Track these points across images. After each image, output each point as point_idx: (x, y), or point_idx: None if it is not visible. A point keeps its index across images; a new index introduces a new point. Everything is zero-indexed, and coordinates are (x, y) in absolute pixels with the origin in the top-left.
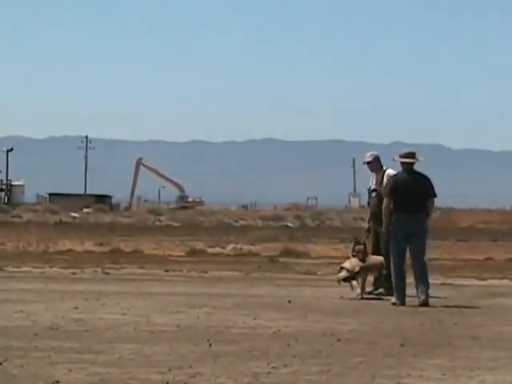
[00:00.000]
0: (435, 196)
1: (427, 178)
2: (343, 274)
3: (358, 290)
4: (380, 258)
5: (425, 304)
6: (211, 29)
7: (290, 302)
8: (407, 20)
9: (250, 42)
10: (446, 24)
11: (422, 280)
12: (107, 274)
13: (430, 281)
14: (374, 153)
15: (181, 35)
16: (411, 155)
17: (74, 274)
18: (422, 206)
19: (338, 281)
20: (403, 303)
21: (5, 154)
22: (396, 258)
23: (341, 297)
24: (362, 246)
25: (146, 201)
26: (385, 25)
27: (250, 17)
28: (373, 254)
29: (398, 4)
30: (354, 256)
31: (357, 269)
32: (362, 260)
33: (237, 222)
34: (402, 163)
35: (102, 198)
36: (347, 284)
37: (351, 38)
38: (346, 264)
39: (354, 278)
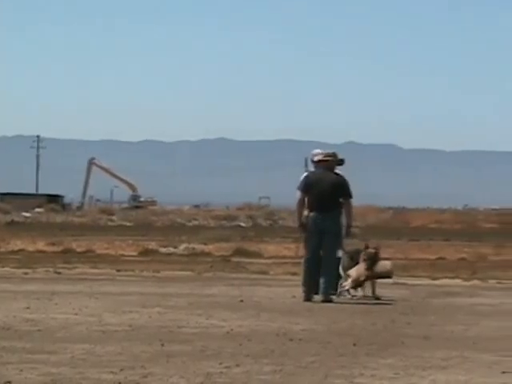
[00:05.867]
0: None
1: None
2: (349, 283)
3: (361, 293)
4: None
5: (325, 301)
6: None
7: (242, 301)
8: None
9: (213, 41)
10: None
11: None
12: (59, 273)
13: (384, 280)
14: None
15: (145, 33)
16: (331, 155)
17: (26, 273)
18: (333, 205)
19: (346, 291)
20: (308, 299)
21: None
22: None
23: (293, 296)
24: (372, 251)
25: (98, 200)
26: (349, 20)
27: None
28: None
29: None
30: (364, 260)
31: (362, 278)
32: (369, 267)
33: (189, 221)
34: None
35: (53, 198)
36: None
37: (312, 35)
38: (352, 272)
39: (360, 286)
